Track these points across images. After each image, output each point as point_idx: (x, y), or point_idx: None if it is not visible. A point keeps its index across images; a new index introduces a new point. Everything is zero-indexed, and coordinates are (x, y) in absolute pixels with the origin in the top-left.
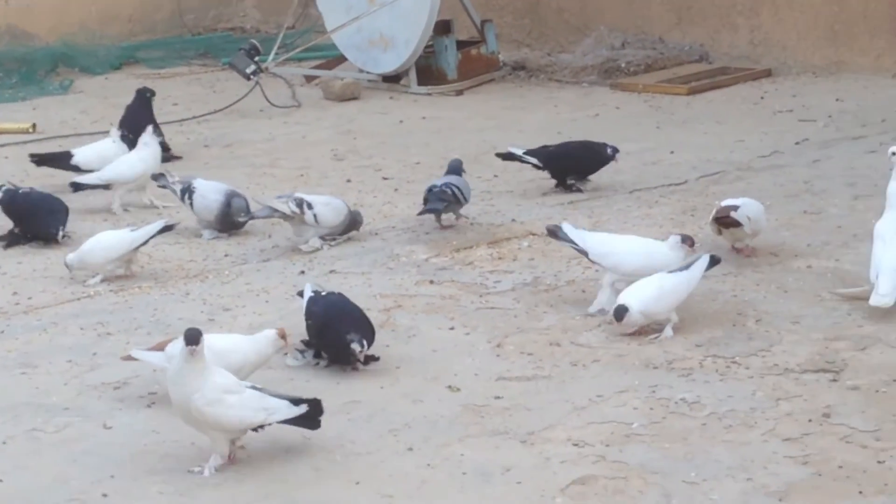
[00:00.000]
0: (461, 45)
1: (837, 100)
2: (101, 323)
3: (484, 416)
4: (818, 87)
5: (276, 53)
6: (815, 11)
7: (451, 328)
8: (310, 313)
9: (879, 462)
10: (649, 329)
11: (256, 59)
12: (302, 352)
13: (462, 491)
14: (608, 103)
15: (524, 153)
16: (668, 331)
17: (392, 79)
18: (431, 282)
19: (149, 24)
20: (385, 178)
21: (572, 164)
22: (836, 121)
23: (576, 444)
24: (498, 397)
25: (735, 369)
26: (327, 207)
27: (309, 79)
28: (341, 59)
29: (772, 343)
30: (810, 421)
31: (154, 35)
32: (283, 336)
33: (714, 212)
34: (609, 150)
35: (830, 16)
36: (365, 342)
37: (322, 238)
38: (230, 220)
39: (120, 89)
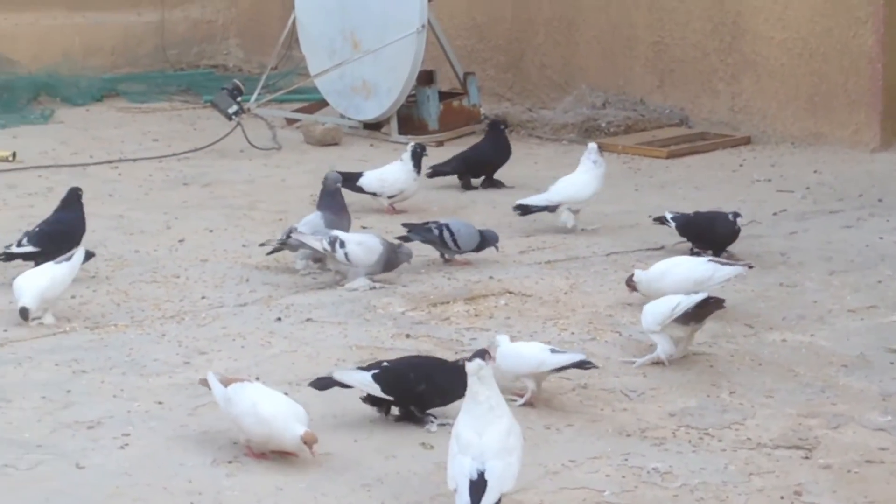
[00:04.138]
0: (443, 96)
1: (815, 171)
2: (76, 360)
3: None
4: (796, 158)
5: (259, 94)
6: (796, 82)
7: None
8: (414, 381)
9: None
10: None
11: (239, 99)
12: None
13: None
14: None
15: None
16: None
17: (373, 126)
18: (408, 335)
19: (131, 57)
20: (364, 227)
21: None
22: (813, 193)
23: None
24: None
25: (708, 441)
26: (360, 247)
27: (290, 121)
28: (323, 103)
29: (745, 416)
30: (782, 498)
31: (136, 68)
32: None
33: None
34: (731, 217)
35: (811, 87)
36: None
37: (369, 278)
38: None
39: (100, 121)
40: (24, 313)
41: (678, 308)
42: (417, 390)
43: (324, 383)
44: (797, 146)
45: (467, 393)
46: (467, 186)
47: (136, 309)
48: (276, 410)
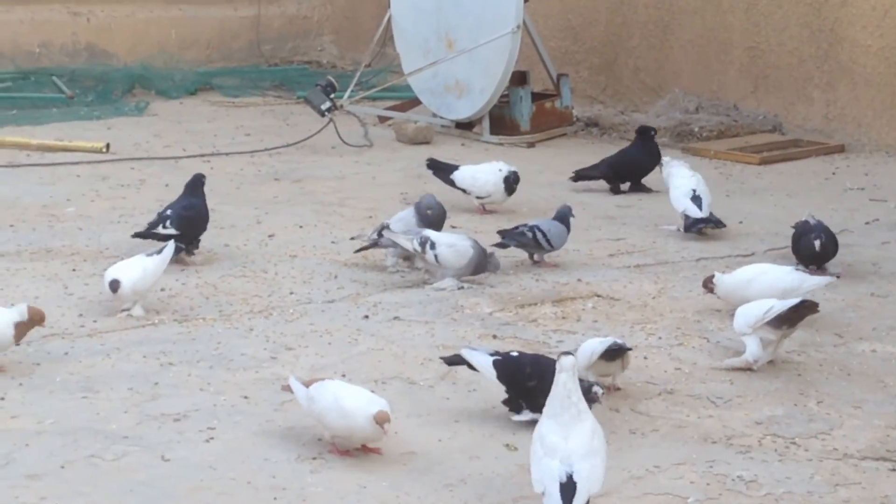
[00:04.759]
0: (536, 97)
1: None
2: (164, 352)
3: None
4: (890, 167)
5: (352, 91)
6: (892, 90)
7: None
8: (528, 375)
9: None
10: None
11: (332, 95)
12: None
13: None
14: None
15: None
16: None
17: (465, 126)
18: (494, 336)
19: (226, 51)
20: (453, 227)
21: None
22: None
23: None
24: None
25: (794, 450)
26: (450, 249)
27: (382, 119)
28: (416, 101)
29: (832, 426)
30: None
31: (231, 63)
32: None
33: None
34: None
35: None
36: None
37: (457, 279)
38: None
39: (194, 115)
40: (114, 285)
41: (771, 311)
42: (528, 385)
43: (453, 359)
44: (892, 155)
45: (555, 391)
46: (616, 191)
47: (225, 303)
48: (358, 402)
